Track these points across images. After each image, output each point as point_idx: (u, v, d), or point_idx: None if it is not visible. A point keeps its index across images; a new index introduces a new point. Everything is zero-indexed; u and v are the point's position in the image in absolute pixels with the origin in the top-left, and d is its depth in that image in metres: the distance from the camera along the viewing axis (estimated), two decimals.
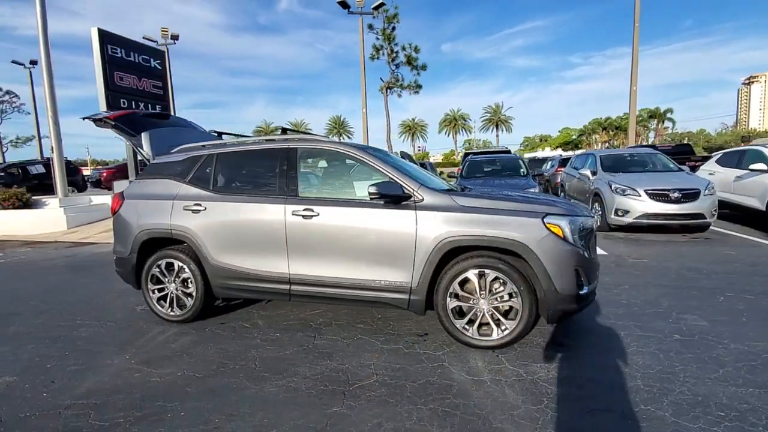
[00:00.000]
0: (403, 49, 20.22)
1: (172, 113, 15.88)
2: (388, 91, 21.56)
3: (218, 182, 3.56)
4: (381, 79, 21.46)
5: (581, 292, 2.83)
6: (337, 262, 3.17)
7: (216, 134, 4.04)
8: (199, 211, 3.47)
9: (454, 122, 64.36)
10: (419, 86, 21.00)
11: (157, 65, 14.40)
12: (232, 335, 3.34)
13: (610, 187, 7.26)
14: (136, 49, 13.45)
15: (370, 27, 20.09)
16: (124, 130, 3.86)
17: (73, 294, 4.68)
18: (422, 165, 15.26)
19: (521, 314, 2.83)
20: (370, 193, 2.94)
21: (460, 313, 2.98)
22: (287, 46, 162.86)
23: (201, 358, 2.96)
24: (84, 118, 4.01)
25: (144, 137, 3.87)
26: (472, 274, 2.89)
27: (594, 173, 8.27)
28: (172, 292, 3.61)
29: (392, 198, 2.98)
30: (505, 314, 2.91)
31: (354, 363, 2.81)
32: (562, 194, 10.63)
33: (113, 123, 3.84)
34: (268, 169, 3.46)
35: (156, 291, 3.66)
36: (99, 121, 3.94)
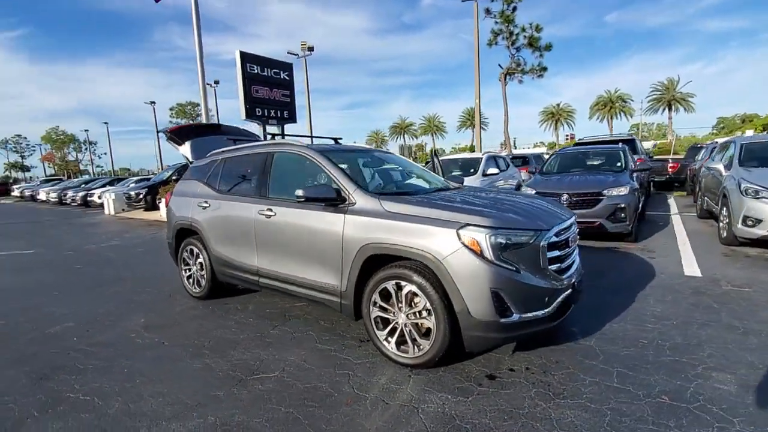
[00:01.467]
0: (523, 30, 18.49)
1: (304, 115, 18.13)
2: (508, 78, 20.09)
3: (221, 183, 4.14)
4: (499, 65, 20.14)
5: (503, 320, 2.37)
6: (288, 259, 3.36)
7: (232, 141, 4.65)
8: (206, 207, 4.12)
9: (609, 105, 55.22)
10: (543, 69, 18.93)
11: (285, 77, 16.70)
12: (221, 315, 3.90)
13: (739, 186, 5.39)
14: (268, 64, 15.87)
15: (488, 11, 19.00)
16: (175, 141, 4.82)
17: (166, 267, 6.07)
18: (524, 159, 13.86)
19: (435, 334, 2.53)
20: (296, 197, 3.02)
21: (385, 323, 2.83)
22: (430, 41, 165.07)
23: (182, 330, 3.57)
24: (158, 132, 5.16)
25: (186, 146, 4.76)
26: (390, 285, 2.71)
27: (728, 167, 6.24)
28: (194, 273, 4.39)
29: (318, 200, 2.99)
30: (428, 332, 2.64)
31: (278, 356, 2.98)
32: (699, 193, 8.30)
33: (168, 136, 4.84)
34: (252, 171, 3.86)
35: (186, 271, 4.51)
36: (163, 134, 5.02)
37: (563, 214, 2.89)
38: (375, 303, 2.81)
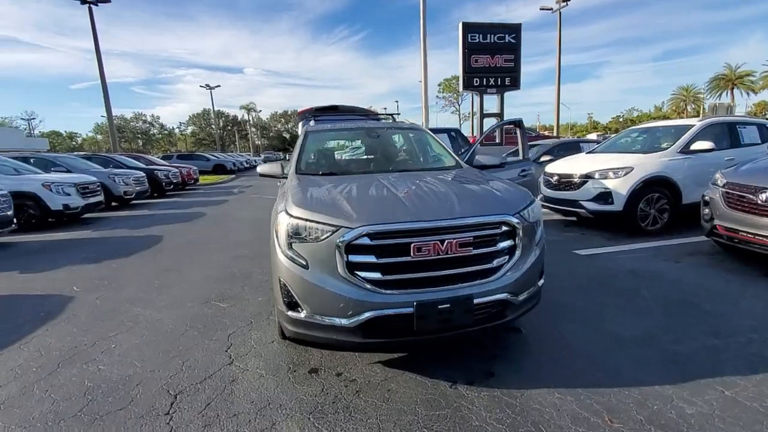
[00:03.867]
0: None
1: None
2: None
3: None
4: None
5: (290, 314, 2.26)
6: None
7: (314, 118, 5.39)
8: None
9: None
10: None
11: (511, 39, 15.77)
12: None
13: None
14: (491, 30, 15.46)
15: None
16: (299, 121, 6.14)
17: None
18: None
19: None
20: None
21: None
22: None
23: (246, 264, 4.91)
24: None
25: (299, 126, 5.99)
26: None
27: None
28: None
29: (267, 177, 3.43)
30: None
31: (252, 296, 3.75)
32: None
33: (296, 117, 6.21)
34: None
35: None
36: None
37: (428, 214, 2.12)
38: None
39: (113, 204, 10.97)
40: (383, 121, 4.55)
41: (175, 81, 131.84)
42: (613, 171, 5.60)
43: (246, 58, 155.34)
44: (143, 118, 76.56)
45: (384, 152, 3.79)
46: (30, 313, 3.50)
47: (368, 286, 2.09)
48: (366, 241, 2.08)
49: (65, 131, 78.36)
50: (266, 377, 2.40)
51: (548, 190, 6.49)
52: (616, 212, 5.50)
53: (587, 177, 5.80)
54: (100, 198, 9.22)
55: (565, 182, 6.13)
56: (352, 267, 2.10)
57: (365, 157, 3.83)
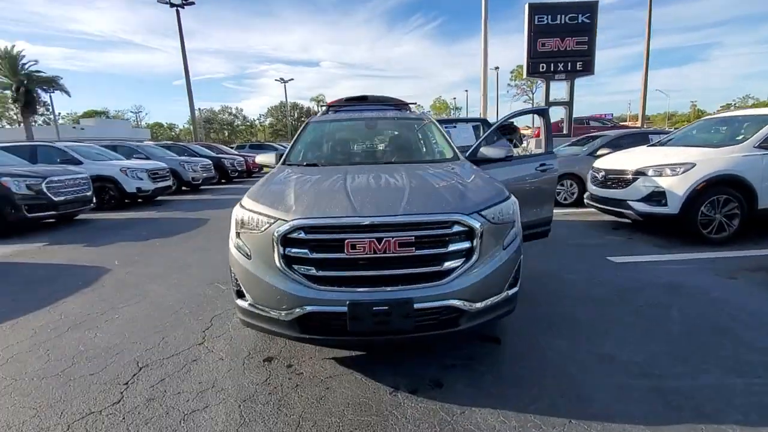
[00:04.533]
0: None
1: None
2: None
3: None
4: None
5: (237, 300, 2.30)
6: None
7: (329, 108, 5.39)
8: None
9: None
10: None
11: (585, 20, 14.38)
12: None
13: None
14: (561, 10, 14.15)
15: None
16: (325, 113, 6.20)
17: None
18: None
19: None
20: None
21: None
22: None
23: None
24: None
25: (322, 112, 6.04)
26: None
27: None
28: None
29: (264, 167, 3.52)
30: None
31: None
32: None
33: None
34: None
35: None
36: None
37: (368, 210, 1.99)
38: None
39: (183, 188, 12.19)
40: (396, 111, 4.40)
41: (258, 76, 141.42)
42: (671, 167, 4.82)
43: (323, 51, 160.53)
44: (229, 110, 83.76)
45: (376, 143, 3.67)
46: (71, 281, 4.04)
47: (304, 280, 2.05)
48: (301, 234, 2.03)
49: (166, 122, 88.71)
50: (224, 360, 2.50)
51: (594, 188, 5.82)
52: (671, 216, 4.74)
53: (638, 173, 5.07)
54: (169, 183, 10.30)
55: (612, 179, 5.43)
56: (289, 260, 2.07)
57: (355, 148, 3.76)
